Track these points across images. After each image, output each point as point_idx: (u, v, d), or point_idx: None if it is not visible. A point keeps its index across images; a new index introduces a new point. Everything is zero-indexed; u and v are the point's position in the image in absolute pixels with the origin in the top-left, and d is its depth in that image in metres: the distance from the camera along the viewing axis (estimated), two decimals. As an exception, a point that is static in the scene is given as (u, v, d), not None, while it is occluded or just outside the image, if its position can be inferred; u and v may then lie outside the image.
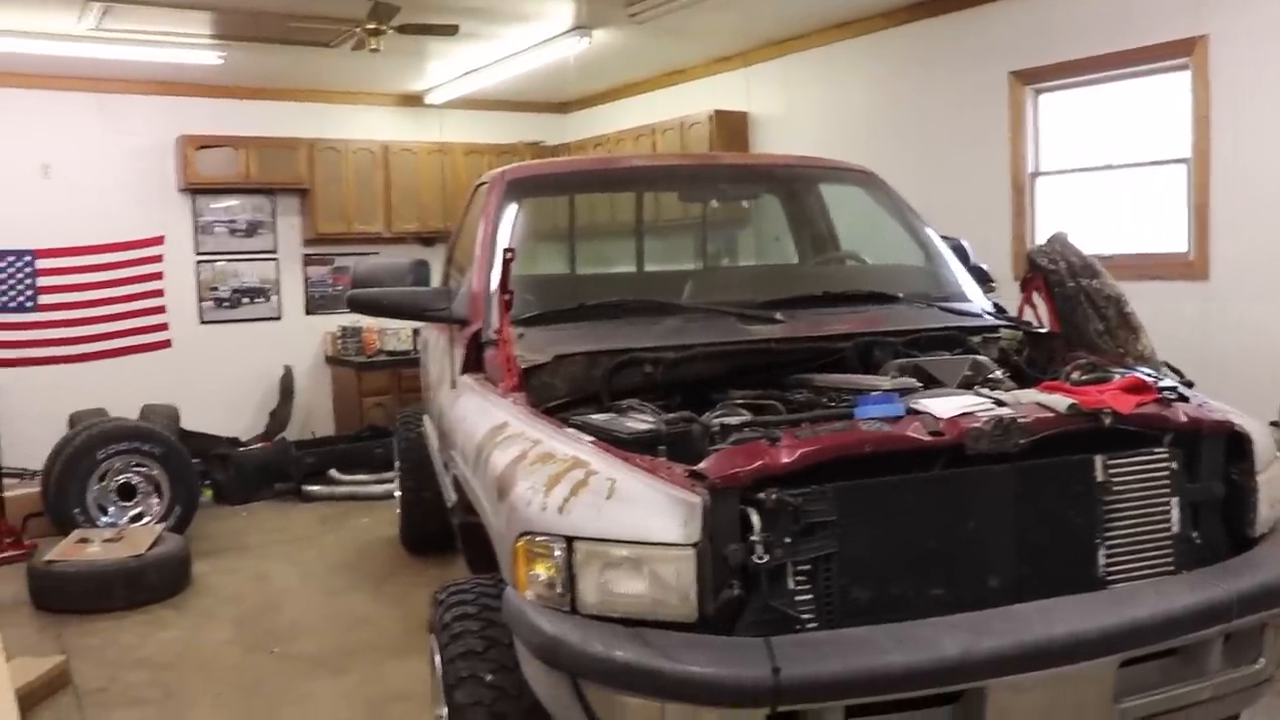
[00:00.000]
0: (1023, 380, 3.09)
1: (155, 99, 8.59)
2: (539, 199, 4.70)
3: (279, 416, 8.79)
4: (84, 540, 5.86)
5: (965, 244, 4.36)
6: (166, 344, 8.81)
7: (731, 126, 8.28)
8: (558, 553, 2.36)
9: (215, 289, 9.08)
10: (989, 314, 3.70)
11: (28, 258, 8.19)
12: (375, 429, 8.54)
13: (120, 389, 8.23)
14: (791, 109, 8.04)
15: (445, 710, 2.79)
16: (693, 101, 8.59)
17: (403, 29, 6.50)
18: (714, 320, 3.43)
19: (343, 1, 6.22)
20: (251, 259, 9.21)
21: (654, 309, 3.54)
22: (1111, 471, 2.54)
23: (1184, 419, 2.62)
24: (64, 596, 5.42)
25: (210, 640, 5.05)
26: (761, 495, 2.29)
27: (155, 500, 6.71)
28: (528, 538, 2.43)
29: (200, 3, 6.32)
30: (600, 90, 9.76)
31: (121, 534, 5.98)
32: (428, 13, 6.51)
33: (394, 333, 9.05)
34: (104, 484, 6.59)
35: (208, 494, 7.73)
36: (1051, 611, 2.35)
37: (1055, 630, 2.28)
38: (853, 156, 4.90)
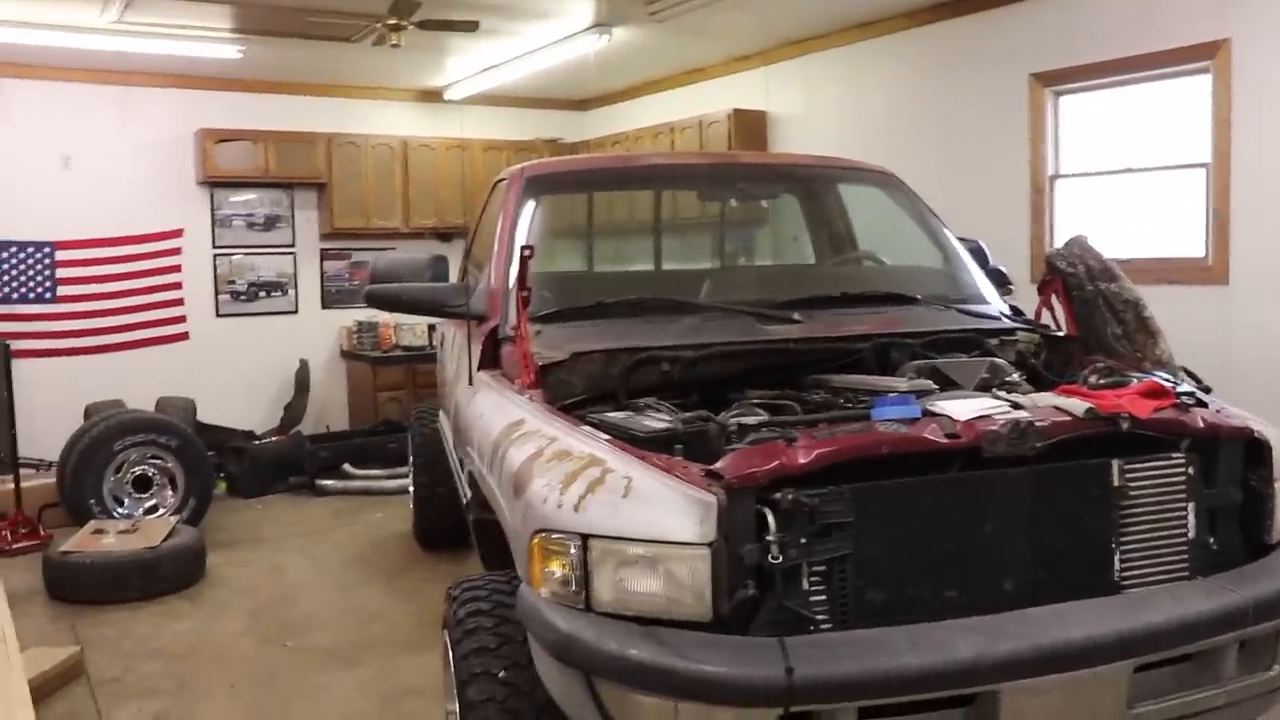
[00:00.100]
0: (1040, 383, 3.08)
1: (175, 92, 8.63)
2: (557, 196, 4.71)
3: (294, 410, 8.80)
4: (99, 531, 5.90)
5: (983, 246, 4.35)
6: (184, 336, 8.85)
7: (750, 126, 8.26)
8: (573, 550, 2.36)
9: (232, 282, 9.11)
10: (1007, 316, 3.69)
11: (47, 249, 8.23)
12: (390, 424, 8.56)
13: (137, 381, 8.29)
14: (811, 109, 8.02)
15: (457, 706, 2.80)
16: (712, 100, 8.58)
17: (423, 25, 6.51)
18: (731, 320, 3.42)
19: (364, -3, 6.24)
20: (269, 253, 9.23)
21: (672, 308, 3.54)
22: (1128, 476, 2.53)
23: (1201, 424, 2.61)
24: (79, 587, 5.45)
25: (224, 632, 5.07)
26: (777, 495, 2.29)
27: (170, 492, 6.73)
28: (543, 535, 2.43)
29: (221, -3, 6.35)
30: (619, 88, 9.76)
31: (136, 525, 6.02)
32: (448, 9, 6.52)
33: (410, 328, 9.08)
34: (120, 475, 6.62)
35: (222, 487, 7.76)
36: (1066, 615, 2.34)
37: (1070, 634, 2.27)
38: (872, 157, 4.88)
